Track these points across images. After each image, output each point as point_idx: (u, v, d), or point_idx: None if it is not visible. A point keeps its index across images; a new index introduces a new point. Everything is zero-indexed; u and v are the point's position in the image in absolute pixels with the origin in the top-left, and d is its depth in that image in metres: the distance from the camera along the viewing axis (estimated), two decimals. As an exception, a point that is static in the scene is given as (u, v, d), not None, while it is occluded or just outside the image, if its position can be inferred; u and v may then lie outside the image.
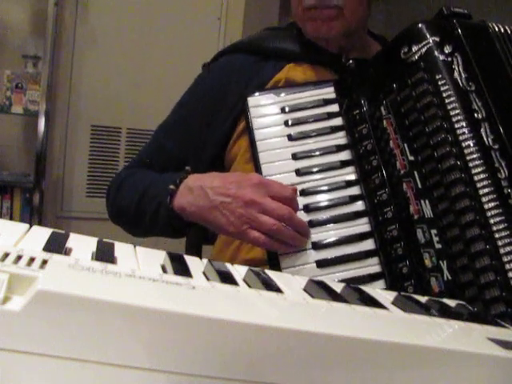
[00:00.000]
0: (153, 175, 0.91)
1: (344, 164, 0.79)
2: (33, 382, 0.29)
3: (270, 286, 0.41)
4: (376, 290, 0.50)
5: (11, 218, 2.44)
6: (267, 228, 0.71)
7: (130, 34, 2.57)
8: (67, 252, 0.40)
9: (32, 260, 0.34)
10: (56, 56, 2.46)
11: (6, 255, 0.34)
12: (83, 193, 2.60)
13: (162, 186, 0.82)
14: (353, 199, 0.76)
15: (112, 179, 0.98)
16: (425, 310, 0.43)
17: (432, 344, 0.35)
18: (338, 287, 0.46)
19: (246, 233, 0.72)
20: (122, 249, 0.44)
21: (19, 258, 0.34)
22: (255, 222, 0.72)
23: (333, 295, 0.42)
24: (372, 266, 0.72)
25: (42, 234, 0.42)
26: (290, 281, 0.49)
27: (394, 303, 0.45)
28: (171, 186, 0.80)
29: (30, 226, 0.44)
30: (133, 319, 0.30)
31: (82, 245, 0.43)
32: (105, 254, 0.40)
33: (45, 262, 0.34)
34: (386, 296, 0.47)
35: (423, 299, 0.49)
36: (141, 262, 0.42)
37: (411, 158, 0.72)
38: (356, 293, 0.45)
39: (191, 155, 0.93)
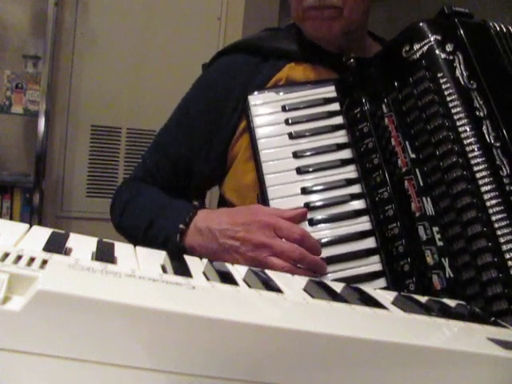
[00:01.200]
0: (160, 200, 0.89)
1: (345, 162, 0.79)
2: (33, 382, 0.29)
3: (270, 286, 0.41)
4: (376, 290, 0.50)
5: (11, 218, 2.44)
6: (278, 270, 0.68)
7: (130, 33, 2.57)
8: (67, 252, 0.40)
9: (32, 260, 0.34)
10: (56, 56, 2.46)
11: (6, 255, 0.34)
12: (83, 193, 2.60)
13: (170, 220, 0.81)
14: (354, 197, 0.76)
15: (117, 189, 0.97)
16: (425, 310, 0.43)
17: (432, 344, 0.35)
18: (338, 287, 0.46)
19: None
20: (122, 249, 0.44)
21: (19, 258, 0.34)
22: (266, 265, 0.69)
23: (333, 295, 0.42)
24: (373, 264, 0.72)
25: (42, 234, 0.42)
26: (290, 281, 0.49)
27: (394, 303, 0.45)
28: (181, 226, 0.79)
29: (30, 226, 0.44)
30: (133, 319, 0.30)
31: (82, 245, 0.43)
32: (105, 254, 0.40)
33: (45, 262, 0.34)
34: (386, 296, 0.47)
35: (423, 299, 0.49)
36: (141, 262, 0.42)
37: (413, 155, 0.72)
38: (356, 293, 0.45)
39: (197, 157, 0.93)
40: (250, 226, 0.72)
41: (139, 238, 0.87)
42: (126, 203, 0.92)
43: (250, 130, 0.83)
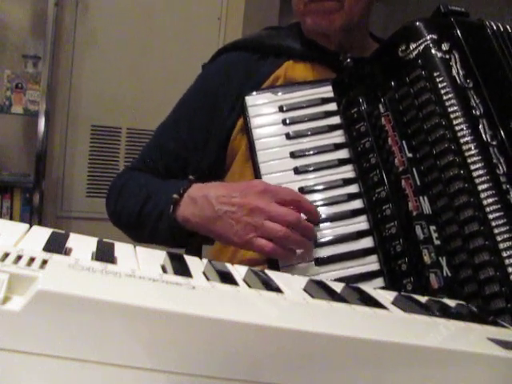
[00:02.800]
0: (155, 181, 0.90)
1: (342, 162, 0.79)
2: (33, 382, 0.29)
3: (270, 286, 0.41)
4: (376, 289, 0.50)
5: (11, 218, 2.44)
6: (274, 234, 0.70)
7: (130, 34, 2.57)
8: (67, 252, 0.40)
9: (32, 260, 0.34)
10: (56, 56, 2.46)
11: (6, 255, 0.34)
12: (83, 193, 2.60)
13: (164, 195, 0.81)
14: (351, 197, 0.76)
15: (113, 180, 0.97)
16: (425, 310, 0.43)
17: (432, 344, 0.35)
18: (338, 287, 0.46)
19: (251, 241, 0.71)
20: (122, 249, 0.44)
21: (19, 258, 0.34)
22: (261, 229, 0.70)
23: (333, 295, 0.42)
24: (371, 263, 0.73)
25: (42, 234, 0.42)
26: (290, 281, 0.49)
27: (394, 303, 0.45)
28: (174, 196, 0.79)
29: (30, 226, 0.44)
30: (133, 319, 0.30)
31: (82, 245, 0.43)
32: (105, 254, 0.40)
33: (45, 262, 0.34)
34: (386, 296, 0.47)
35: (423, 299, 0.49)
36: (141, 262, 0.42)
37: (410, 154, 0.72)
38: (356, 293, 0.45)
39: (193, 154, 0.93)
40: (246, 192, 0.73)
41: (134, 219, 0.87)
42: (120, 188, 0.93)
43: (247, 130, 0.83)
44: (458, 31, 0.74)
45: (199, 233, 0.79)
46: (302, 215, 0.73)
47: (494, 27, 0.76)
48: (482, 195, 0.66)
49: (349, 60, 0.83)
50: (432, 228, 0.68)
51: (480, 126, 0.69)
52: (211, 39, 2.67)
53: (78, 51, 2.53)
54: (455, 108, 0.70)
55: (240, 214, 0.72)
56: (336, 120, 0.82)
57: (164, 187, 0.85)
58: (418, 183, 0.71)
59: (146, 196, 0.86)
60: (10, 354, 0.28)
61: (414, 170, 0.71)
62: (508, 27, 0.77)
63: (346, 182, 0.77)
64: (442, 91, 0.71)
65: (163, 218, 0.80)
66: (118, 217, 0.93)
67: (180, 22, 2.62)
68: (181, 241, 0.86)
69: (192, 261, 0.45)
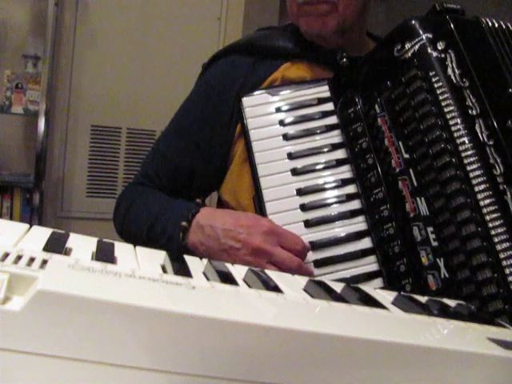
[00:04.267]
0: (161, 200, 0.89)
1: (339, 163, 0.79)
2: (33, 382, 0.29)
3: (270, 286, 0.41)
4: (376, 289, 0.50)
5: (11, 218, 2.44)
6: None
7: (130, 34, 2.57)
8: (67, 252, 0.40)
9: (32, 260, 0.34)
10: (56, 56, 2.46)
11: (6, 255, 0.34)
12: (83, 193, 2.60)
13: (172, 218, 0.81)
14: (349, 198, 0.76)
15: (119, 196, 0.97)
16: (425, 309, 0.43)
17: (432, 344, 0.35)
18: (338, 287, 0.46)
19: None
20: (122, 249, 0.44)
21: (19, 258, 0.34)
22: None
23: (333, 295, 0.42)
24: (369, 264, 0.72)
25: (42, 233, 0.42)
26: (290, 281, 0.49)
27: (394, 303, 0.45)
28: (183, 223, 0.78)
29: (30, 226, 0.44)
30: (133, 319, 0.30)
31: (82, 245, 0.43)
32: (105, 254, 0.40)
33: (45, 261, 0.34)
34: (385, 296, 0.47)
35: (423, 299, 0.49)
36: (141, 262, 0.42)
37: (406, 155, 0.72)
38: (356, 293, 0.45)
39: (197, 162, 0.92)
40: (252, 230, 0.72)
41: (142, 240, 0.86)
42: (126, 209, 0.92)
43: (244, 132, 0.83)
44: (454, 29, 0.74)
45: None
46: None
47: (490, 24, 0.75)
48: (479, 196, 0.65)
49: (345, 59, 0.83)
50: (429, 229, 0.68)
51: (476, 126, 0.68)
52: (211, 39, 2.67)
53: (77, 51, 2.53)
54: (451, 108, 0.70)
55: (244, 252, 0.72)
56: (333, 120, 0.82)
57: (171, 208, 0.84)
58: (415, 184, 0.70)
59: (154, 217, 0.85)
60: (10, 353, 0.28)
61: (411, 171, 0.71)
62: (503, 23, 0.76)
63: (344, 182, 0.77)
64: (438, 91, 0.71)
65: (172, 242, 0.80)
66: (127, 236, 0.93)
67: (180, 22, 2.62)
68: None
69: (192, 261, 0.45)
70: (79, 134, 2.57)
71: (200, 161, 0.92)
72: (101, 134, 2.60)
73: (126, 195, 0.96)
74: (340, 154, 0.80)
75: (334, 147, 0.80)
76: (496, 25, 0.75)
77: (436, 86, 0.71)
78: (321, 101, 0.83)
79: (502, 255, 0.63)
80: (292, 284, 0.46)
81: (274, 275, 0.46)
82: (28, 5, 2.47)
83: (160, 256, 0.45)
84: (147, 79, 2.60)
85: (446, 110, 0.70)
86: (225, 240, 0.73)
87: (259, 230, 0.72)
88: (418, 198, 0.70)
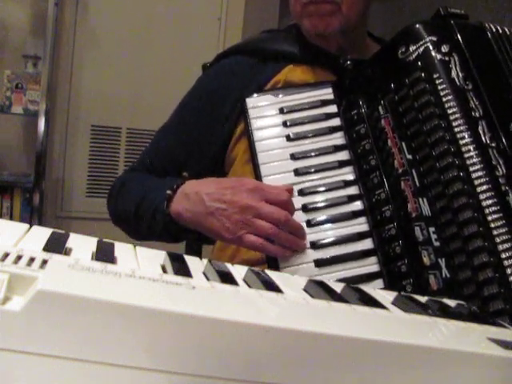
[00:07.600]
0: (152, 180, 0.92)
1: (342, 164, 0.79)
2: (33, 382, 0.29)
3: (270, 286, 0.41)
4: (376, 289, 0.50)
5: (11, 218, 2.44)
6: (264, 232, 0.72)
7: (130, 34, 2.57)
8: (67, 252, 0.40)
9: (32, 260, 0.34)
10: (56, 56, 2.46)
11: (6, 255, 0.34)
12: (83, 193, 2.60)
13: (159, 192, 0.83)
14: (351, 199, 0.76)
15: (113, 182, 0.99)
16: (425, 309, 0.43)
17: (432, 344, 0.35)
18: (338, 287, 0.46)
19: (242, 238, 0.73)
20: (122, 249, 0.44)
21: (19, 258, 0.34)
22: (251, 226, 0.72)
23: (333, 295, 0.42)
24: (370, 265, 0.73)
25: (42, 233, 0.42)
26: (290, 281, 0.49)
27: (394, 303, 0.45)
28: (168, 192, 0.81)
29: (30, 226, 0.44)
30: (133, 319, 0.30)
31: (82, 245, 0.43)
32: (105, 254, 0.40)
33: (45, 261, 0.34)
34: (385, 296, 0.47)
35: (423, 299, 0.49)
36: (141, 262, 0.42)
37: (409, 156, 0.73)
38: (356, 293, 0.45)
39: (191, 157, 0.94)
40: (236, 189, 0.74)
41: (131, 217, 0.89)
42: (119, 188, 0.95)
43: (247, 132, 0.83)
44: (458, 33, 0.74)
45: (192, 228, 0.80)
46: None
47: (494, 30, 0.76)
48: (481, 197, 0.66)
49: (349, 62, 0.83)
50: (431, 229, 0.68)
51: (479, 128, 0.69)
52: (211, 39, 2.67)
53: (77, 51, 2.53)
54: (454, 110, 0.70)
55: (231, 211, 0.73)
56: (336, 122, 0.82)
57: (159, 185, 0.86)
58: (418, 185, 0.71)
59: (143, 194, 0.88)
60: (10, 353, 0.28)
61: (414, 171, 0.72)
62: (507, 30, 0.77)
63: (347, 183, 0.78)
64: (442, 93, 0.71)
65: (158, 213, 0.82)
66: (118, 216, 0.96)
67: (180, 22, 2.62)
68: (176, 236, 0.87)
69: (192, 261, 0.45)
70: (79, 134, 2.57)
71: (193, 157, 0.93)
72: (101, 133, 2.60)
73: (120, 179, 0.98)
74: (342, 155, 0.80)
75: (337, 149, 0.80)
76: (500, 31, 0.76)
77: (439, 88, 0.71)
78: (324, 103, 0.84)
79: (503, 255, 0.63)
80: (292, 284, 0.46)
81: (274, 275, 0.46)
82: (28, 5, 2.47)
83: (160, 256, 0.45)
84: (147, 79, 2.60)
85: (449, 111, 0.70)
86: (211, 203, 0.75)
87: (243, 188, 0.74)
88: (420, 199, 0.70)
